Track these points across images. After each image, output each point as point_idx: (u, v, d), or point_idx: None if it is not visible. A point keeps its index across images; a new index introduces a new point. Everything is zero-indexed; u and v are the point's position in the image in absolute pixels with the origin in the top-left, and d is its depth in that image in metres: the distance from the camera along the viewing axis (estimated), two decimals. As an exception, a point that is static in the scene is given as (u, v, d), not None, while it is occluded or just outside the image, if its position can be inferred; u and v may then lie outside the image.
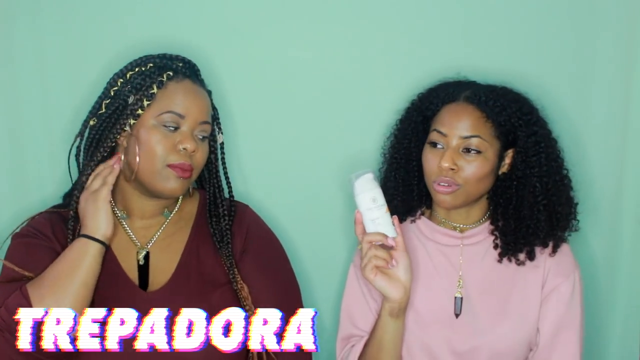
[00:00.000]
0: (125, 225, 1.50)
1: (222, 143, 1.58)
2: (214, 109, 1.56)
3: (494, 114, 1.48)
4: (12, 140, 1.62)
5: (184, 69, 1.49)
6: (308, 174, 1.71)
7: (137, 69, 1.47)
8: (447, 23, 1.66)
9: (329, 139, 1.70)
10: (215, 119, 1.56)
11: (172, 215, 1.53)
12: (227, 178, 1.59)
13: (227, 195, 1.60)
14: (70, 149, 1.54)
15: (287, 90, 1.68)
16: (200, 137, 1.46)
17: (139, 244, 1.50)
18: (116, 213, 1.50)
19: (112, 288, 1.43)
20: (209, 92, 1.54)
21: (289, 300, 1.53)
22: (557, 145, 1.55)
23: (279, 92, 1.69)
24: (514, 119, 1.49)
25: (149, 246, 1.49)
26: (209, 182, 1.58)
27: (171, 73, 1.45)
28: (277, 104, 1.69)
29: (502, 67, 1.62)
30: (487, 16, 1.65)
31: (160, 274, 1.47)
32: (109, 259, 1.45)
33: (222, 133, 1.57)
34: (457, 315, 1.52)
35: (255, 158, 1.70)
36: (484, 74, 1.59)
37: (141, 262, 1.47)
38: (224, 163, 1.59)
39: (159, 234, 1.51)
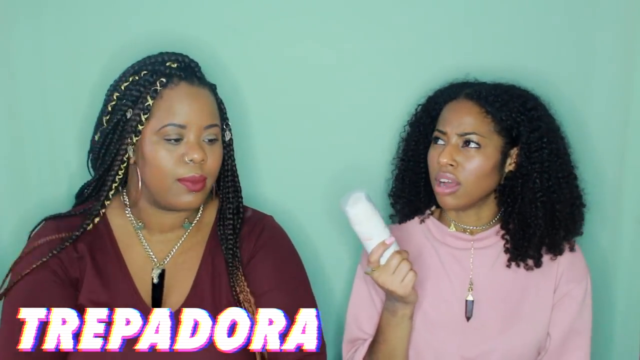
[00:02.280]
0: (142, 239, 1.43)
1: (231, 140, 1.45)
2: (220, 105, 1.44)
3: (494, 109, 1.46)
4: (12, 140, 1.60)
5: (179, 71, 1.37)
6: (315, 174, 1.70)
7: (130, 79, 1.38)
8: (451, 24, 1.66)
9: (336, 140, 1.69)
10: (222, 116, 1.43)
11: (191, 226, 1.45)
12: (234, 179, 1.47)
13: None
14: (87, 165, 1.48)
15: (290, 92, 1.67)
16: (208, 140, 1.37)
17: (155, 259, 1.42)
18: (133, 223, 1.43)
19: (125, 307, 1.35)
20: (213, 87, 1.44)
21: (301, 304, 1.43)
22: (564, 142, 1.53)
23: (281, 94, 1.67)
24: (515, 114, 1.47)
25: (165, 262, 1.42)
26: (222, 186, 1.46)
27: (164, 79, 1.35)
28: (278, 106, 1.67)
29: (502, 66, 1.62)
30: (489, 16, 1.65)
31: (175, 295, 1.39)
32: (123, 277, 1.38)
33: (230, 130, 1.45)
34: (468, 319, 1.49)
35: (260, 159, 1.68)
36: (486, 74, 1.58)
37: (155, 281, 1.39)
38: (232, 162, 1.47)
39: (176, 248, 1.43)
